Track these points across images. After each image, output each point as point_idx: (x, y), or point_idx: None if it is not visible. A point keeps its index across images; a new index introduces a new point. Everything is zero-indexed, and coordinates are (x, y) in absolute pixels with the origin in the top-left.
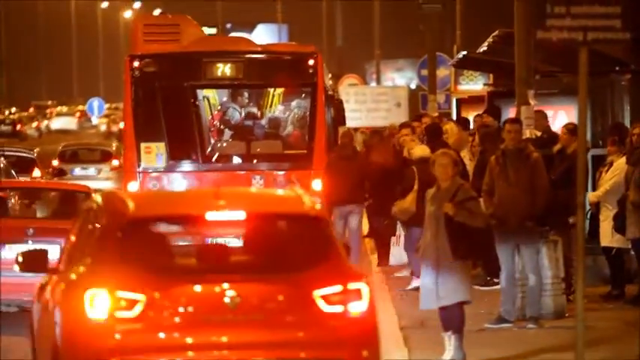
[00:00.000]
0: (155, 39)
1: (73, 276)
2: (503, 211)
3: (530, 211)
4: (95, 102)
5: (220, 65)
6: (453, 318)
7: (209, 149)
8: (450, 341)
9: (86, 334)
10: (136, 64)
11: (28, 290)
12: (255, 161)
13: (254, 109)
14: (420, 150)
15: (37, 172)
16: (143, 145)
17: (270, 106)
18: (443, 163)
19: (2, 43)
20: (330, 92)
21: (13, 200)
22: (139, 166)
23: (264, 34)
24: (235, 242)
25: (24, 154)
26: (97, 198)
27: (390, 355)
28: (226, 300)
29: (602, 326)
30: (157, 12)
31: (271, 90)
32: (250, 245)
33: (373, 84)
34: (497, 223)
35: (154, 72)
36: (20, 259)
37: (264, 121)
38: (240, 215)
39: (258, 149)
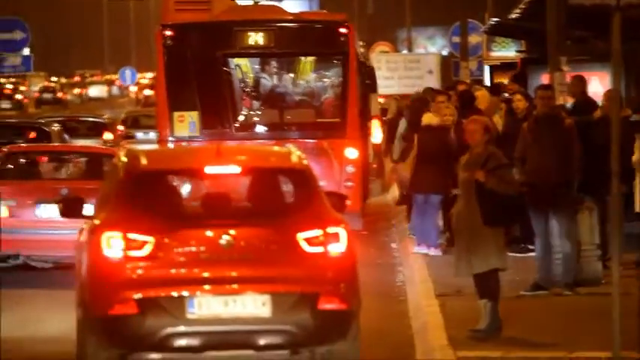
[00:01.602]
0: (186, 8)
1: (96, 221)
2: (536, 178)
3: (562, 177)
4: (127, 71)
5: (252, 34)
6: (487, 285)
7: (241, 118)
8: (485, 309)
9: (103, 270)
10: (168, 33)
11: (62, 247)
12: (287, 130)
13: (286, 78)
14: (427, 118)
15: (107, 136)
16: (176, 114)
17: (302, 75)
18: (473, 130)
19: (32, 11)
20: (361, 60)
21: (46, 163)
22: (171, 134)
23: (294, 3)
24: (231, 192)
25: (96, 120)
26: (119, 155)
27: (425, 324)
28: (222, 242)
29: (638, 293)
30: None
31: (303, 58)
32: (244, 195)
33: (405, 51)
34: (530, 190)
35: (185, 41)
36: (60, 205)
37: (296, 90)
38: (235, 169)
39: (291, 118)
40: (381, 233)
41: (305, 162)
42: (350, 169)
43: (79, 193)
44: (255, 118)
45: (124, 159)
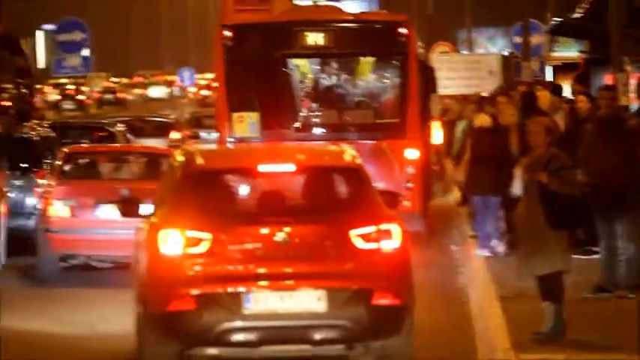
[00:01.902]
0: (246, 8)
1: (154, 219)
2: (600, 180)
3: (626, 179)
4: (186, 71)
5: (311, 34)
6: (551, 288)
7: (300, 119)
8: (548, 311)
9: (162, 267)
10: (227, 34)
11: (122, 247)
12: (346, 131)
13: (345, 78)
14: (480, 120)
15: (174, 135)
16: (235, 114)
17: (362, 75)
18: (535, 131)
19: (93, 12)
20: (421, 60)
21: (106, 163)
22: (231, 135)
23: (353, 3)
24: (286, 190)
25: (163, 120)
26: (176, 155)
27: (488, 326)
28: (277, 239)
29: None
30: None
31: (362, 58)
32: (299, 193)
33: (465, 52)
34: (594, 192)
35: (245, 42)
36: (119, 205)
37: (355, 90)
38: (289, 168)
39: (350, 119)
40: (442, 235)
41: (358, 161)
42: (410, 170)
43: (137, 194)
44: (315, 119)
45: (181, 158)
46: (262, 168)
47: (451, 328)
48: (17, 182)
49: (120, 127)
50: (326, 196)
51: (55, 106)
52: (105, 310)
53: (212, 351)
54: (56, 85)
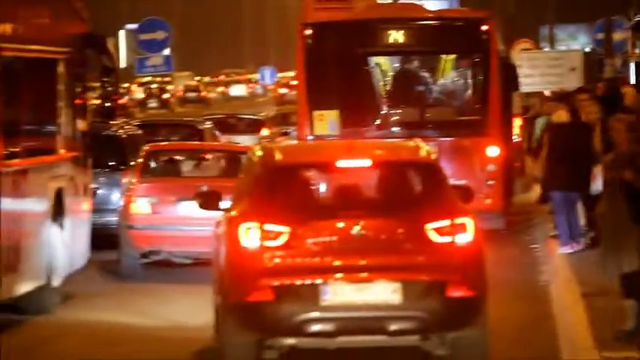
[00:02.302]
0: (326, 6)
1: (234, 213)
2: None
3: None
4: (266, 70)
5: (392, 32)
6: (634, 286)
7: (381, 116)
8: (631, 309)
9: (241, 259)
10: (308, 32)
11: (202, 243)
12: (427, 128)
13: (426, 76)
14: (557, 116)
15: (265, 132)
16: (316, 112)
17: (443, 72)
18: (618, 128)
19: (178, 12)
20: (503, 57)
21: (186, 161)
22: (311, 133)
23: (434, 1)
24: (362, 185)
25: (254, 117)
26: (255, 151)
27: (570, 324)
28: (354, 232)
29: None
30: None
31: (444, 56)
32: (375, 187)
33: (547, 49)
34: None
35: (325, 40)
36: (198, 198)
37: (436, 88)
38: (365, 163)
39: (431, 116)
40: (523, 232)
41: (433, 156)
42: (491, 167)
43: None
44: (395, 117)
45: (260, 154)
46: (339, 163)
47: (533, 326)
48: (104, 180)
49: (207, 125)
50: (401, 191)
51: (141, 104)
52: (183, 304)
53: (290, 341)
54: (141, 84)
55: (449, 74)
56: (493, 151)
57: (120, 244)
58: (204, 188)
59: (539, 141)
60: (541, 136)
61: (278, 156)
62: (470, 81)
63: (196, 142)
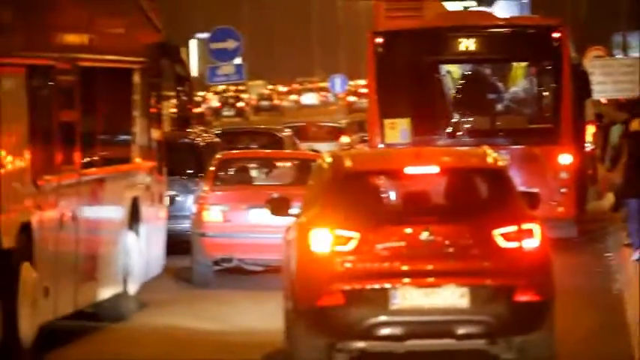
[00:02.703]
0: (397, 15)
1: (304, 219)
2: None
3: None
4: (337, 78)
5: (464, 40)
6: None
7: (452, 124)
8: None
9: (312, 264)
10: (379, 40)
11: (272, 250)
12: (499, 136)
13: (497, 83)
14: (636, 124)
15: (344, 139)
16: (387, 121)
17: (514, 80)
18: None
19: (248, 21)
20: (575, 64)
21: (257, 169)
22: (382, 141)
23: (504, 8)
24: (430, 191)
25: (334, 125)
26: (325, 158)
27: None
28: (422, 237)
29: None
30: None
31: (515, 63)
32: (443, 193)
33: (619, 56)
34: None
35: (396, 48)
36: (269, 205)
37: (507, 95)
38: (433, 169)
39: (502, 124)
40: (597, 240)
41: (500, 162)
42: (564, 175)
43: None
44: (466, 125)
45: (330, 161)
46: (407, 170)
47: (605, 335)
48: (181, 187)
49: (287, 132)
50: (469, 197)
51: (216, 112)
52: (254, 310)
53: (360, 344)
54: (217, 93)
55: (520, 81)
56: (565, 159)
57: (192, 252)
58: (275, 195)
59: (616, 149)
60: (619, 144)
61: (348, 163)
62: (542, 88)
63: (267, 150)
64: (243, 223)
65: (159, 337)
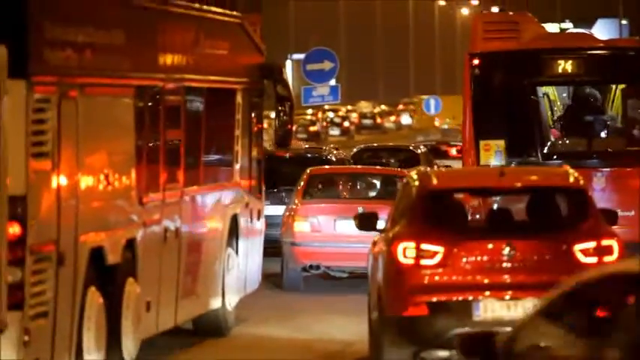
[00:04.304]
0: (495, 36)
1: (391, 233)
2: None
3: None
4: (432, 100)
5: (561, 62)
6: None
7: (548, 147)
8: None
9: (398, 276)
10: (476, 62)
11: (357, 259)
12: (596, 158)
13: (595, 105)
14: None
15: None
16: (482, 142)
17: (612, 102)
18: None
19: (342, 42)
20: None
21: (344, 183)
22: (477, 163)
23: (604, 29)
24: (512, 208)
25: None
26: (411, 175)
27: None
28: (504, 252)
29: None
30: (495, 9)
31: (613, 85)
32: (524, 210)
33: None
34: None
35: (493, 69)
36: (356, 219)
37: (606, 118)
38: (516, 187)
39: (599, 146)
40: None
41: (581, 182)
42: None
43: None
44: (564, 147)
45: (417, 178)
46: (490, 188)
47: None
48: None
49: (422, 149)
50: (549, 214)
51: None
52: (339, 319)
53: (443, 354)
54: (324, 111)
55: (618, 103)
56: None
57: (283, 259)
58: (361, 209)
59: None
60: None
61: (434, 181)
62: None
63: (353, 166)
64: (331, 233)
65: (256, 352)
